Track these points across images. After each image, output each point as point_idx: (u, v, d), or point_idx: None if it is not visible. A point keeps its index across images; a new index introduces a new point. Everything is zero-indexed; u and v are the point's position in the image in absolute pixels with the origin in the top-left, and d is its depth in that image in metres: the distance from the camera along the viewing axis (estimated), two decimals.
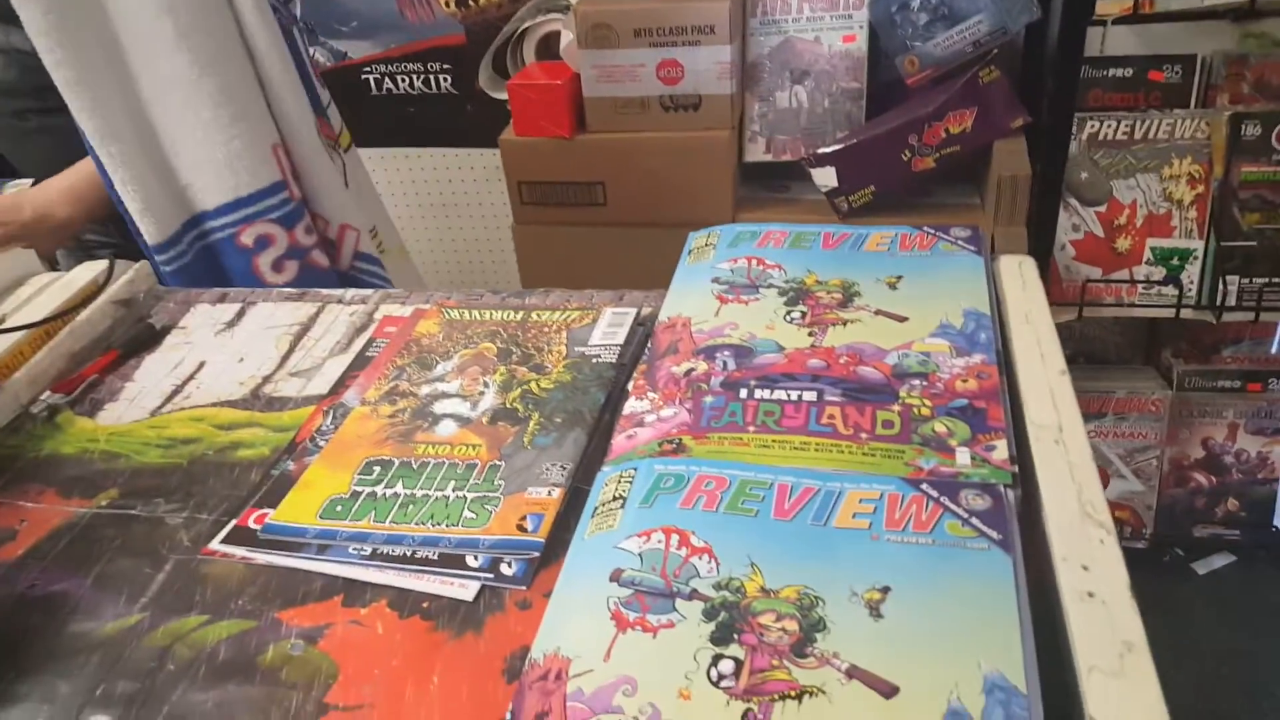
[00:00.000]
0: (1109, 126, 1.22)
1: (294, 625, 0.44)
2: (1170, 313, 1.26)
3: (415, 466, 0.52)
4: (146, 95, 0.83)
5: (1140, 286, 1.26)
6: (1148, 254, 1.26)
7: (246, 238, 0.88)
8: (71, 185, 0.91)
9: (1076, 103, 1.11)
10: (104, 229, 1.00)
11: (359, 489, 0.51)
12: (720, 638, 0.38)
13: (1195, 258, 1.25)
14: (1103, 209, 1.25)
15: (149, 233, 0.85)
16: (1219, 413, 1.46)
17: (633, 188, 1.25)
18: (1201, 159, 1.21)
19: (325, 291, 0.72)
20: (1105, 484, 1.50)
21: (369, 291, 0.71)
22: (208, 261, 0.88)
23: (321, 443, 0.55)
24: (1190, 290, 1.26)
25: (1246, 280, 1.23)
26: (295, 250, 0.91)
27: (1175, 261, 1.25)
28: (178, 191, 0.87)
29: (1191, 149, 1.21)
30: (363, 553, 0.47)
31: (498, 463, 0.51)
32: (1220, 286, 1.23)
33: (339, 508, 0.50)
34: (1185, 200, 1.23)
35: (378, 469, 0.52)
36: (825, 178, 1.18)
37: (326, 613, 0.45)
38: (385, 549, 0.47)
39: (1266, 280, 1.22)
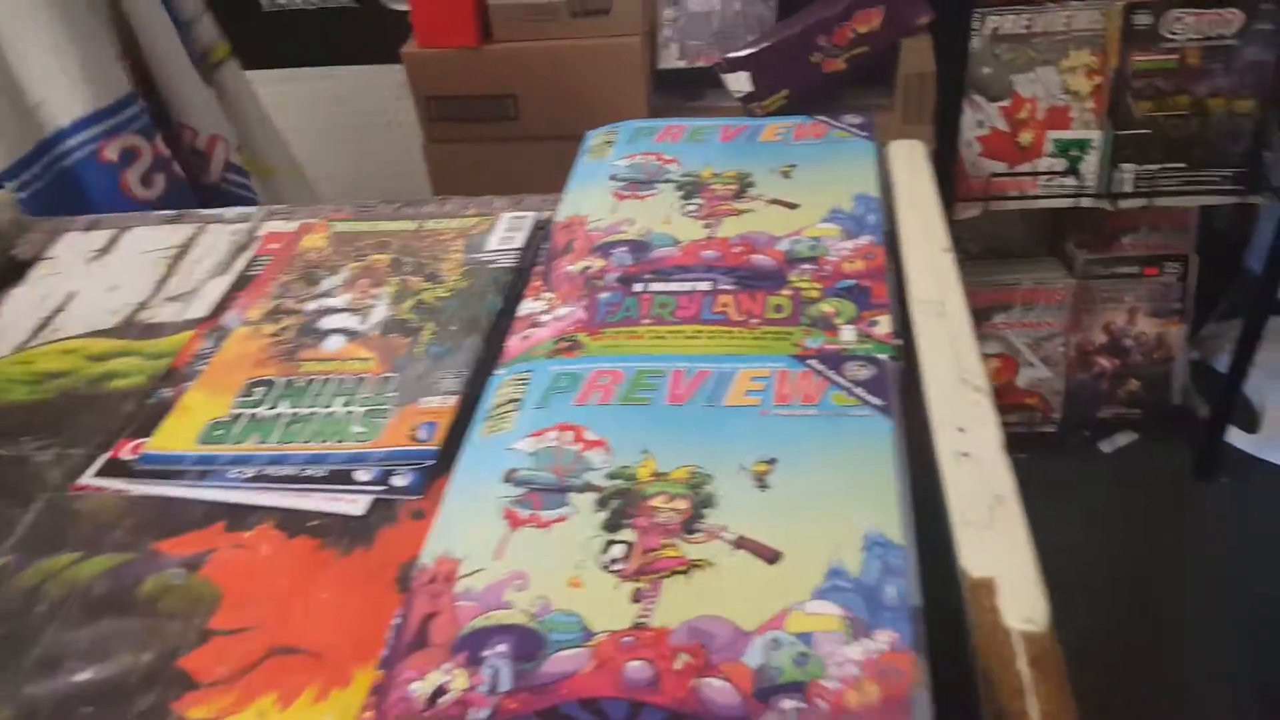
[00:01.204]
0: (1010, 21, 1.22)
1: (174, 555, 0.43)
2: (1070, 203, 1.29)
3: (301, 385, 0.50)
4: None
5: (1042, 178, 1.28)
6: (1049, 146, 1.28)
7: (110, 152, 0.82)
8: None
9: None
10: None
11: (240, 411, 0.48)
12: (612, 524, 0.37)
13: (1093, 148, 1.27)
14: (1006, 104, 1.26)
15: None
16: (1119, 298, 1.52)
17: (545, 100, 1.21)
18: (1097, 50, 1.23)
19: (205, 212, 0.68)
20: (1014, 372, 1.55)
21: (252, 209, 0.68)
22: (66, 186, 0.82)
23: (200, 367, 0.52)
24: (1089, 180, 1.29)
25: (1141, 167, 1.26)
26: (160, 161, 0.85)
27: (1075, 152, 1.28)
28: (27, 111, 0.80)
29: (1088, 40, 1.22)
30: (245, 476, 0.45)
31: (389, 375, 0.50)
32: (1116, 175, 1.26)
33: (219, 432, 0.47)
34: (1083, 92, 1.25)
35: (260, 390, 0.50)
36: (739, 83, 1.16)
37: (208, 540, 0.43)
38: (269, 470, 0.45)
39: (1159, 166, 1.26)
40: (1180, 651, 1.28)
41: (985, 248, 1.55)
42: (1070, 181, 1.28)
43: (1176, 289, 1.51)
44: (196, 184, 0.91)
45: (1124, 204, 1.29)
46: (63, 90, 0.79)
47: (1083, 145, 1.28)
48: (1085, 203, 1.30)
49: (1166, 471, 1.56)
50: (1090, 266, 1.48)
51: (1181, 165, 1.28)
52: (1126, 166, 1.27)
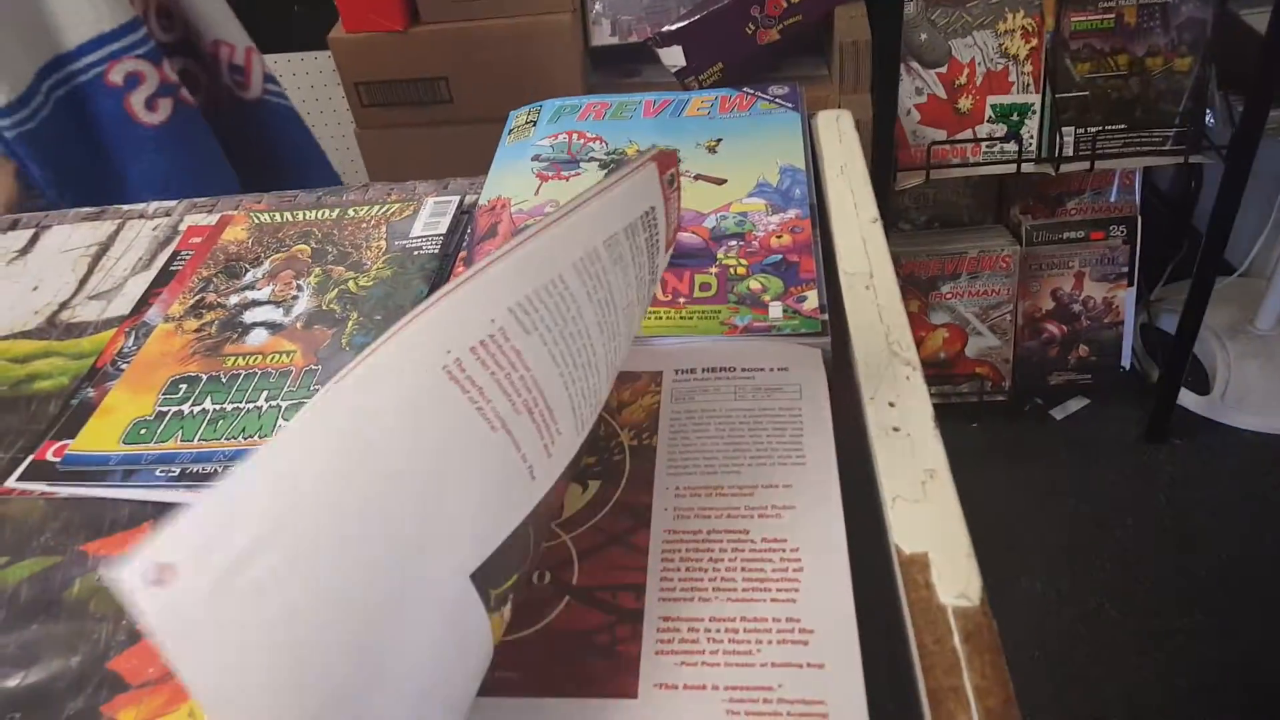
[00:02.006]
0: None
1: (101, 556, 0.42)
2: (1012, 169, 1.31)
3: (224, 380, 0.49)
4: None
5: (983, 145, 1.29)
6: (989, 112, 1.29)
7: (115, 75, 0.80)
8: None
9: None
10: None
11: (164, 409, 0.48)
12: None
13: (1033, 112, 1.28)
14: (943, 70, 1.27)
15: None
16: (1066, 264, 1.54)
17: (477, 81, 1.20)
18: (1033, 12, 1.23)
19: (125, 208, 0.67)
20: (964, 342, 1.57)
21: (172, 203, 0.66)
22: (69, 112, 0.79)
23: (124, 366, 0.51)
24: (1030, 145, 1.30)
25: (1081, 130, 1.27)
26: (166, 86, 0.84)
27: (1015, 118, 1.29)
28: (33, 32, 0.77)
29: (1024, 2, 1.23)
30: (170, 474, 0.45)
31: (314, 367, 0.49)
32: (1057, 138, 1.28)
33: (143, 431, 0.47)
34: (1021, 55, 1.26)
35: (184, 387, 0.49)
36: (673, 57, 1.16)
37: (136, 540, 0.42)
38: (194, 468, 0.45)
39: (1100, 128, 1.27)
40: (1137, 615, 1.31)
41: (931, 216, 1.56)
42: (1011, 147, 1.30)
43: (1123, 252, 1.53)
44: (239, 102, 0.89)
45: (1066, 168, 1.30)
46: (70, 11, 0.77)
47: (1023, 110, 1.29)
48: (1028, 168, 1.31)
49: (1119, 436, 1.58)
50: (1036, 233, 1.50)
51: (1122, 126, 1.29)
52: (1067, 130, 1.28)
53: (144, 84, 0.82)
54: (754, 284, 0.47)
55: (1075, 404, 1.65)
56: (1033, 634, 1.28)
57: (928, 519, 0.37)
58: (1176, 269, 1.69)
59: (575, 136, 0.59)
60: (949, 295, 1.51)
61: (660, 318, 0.46)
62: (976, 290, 1.51)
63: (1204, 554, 1.39)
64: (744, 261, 0.48)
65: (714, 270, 0.48)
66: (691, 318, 0.45)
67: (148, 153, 0.84)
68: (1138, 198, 1.53)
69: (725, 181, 0.54)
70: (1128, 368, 1.63)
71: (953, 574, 0.35)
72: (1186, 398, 1.59)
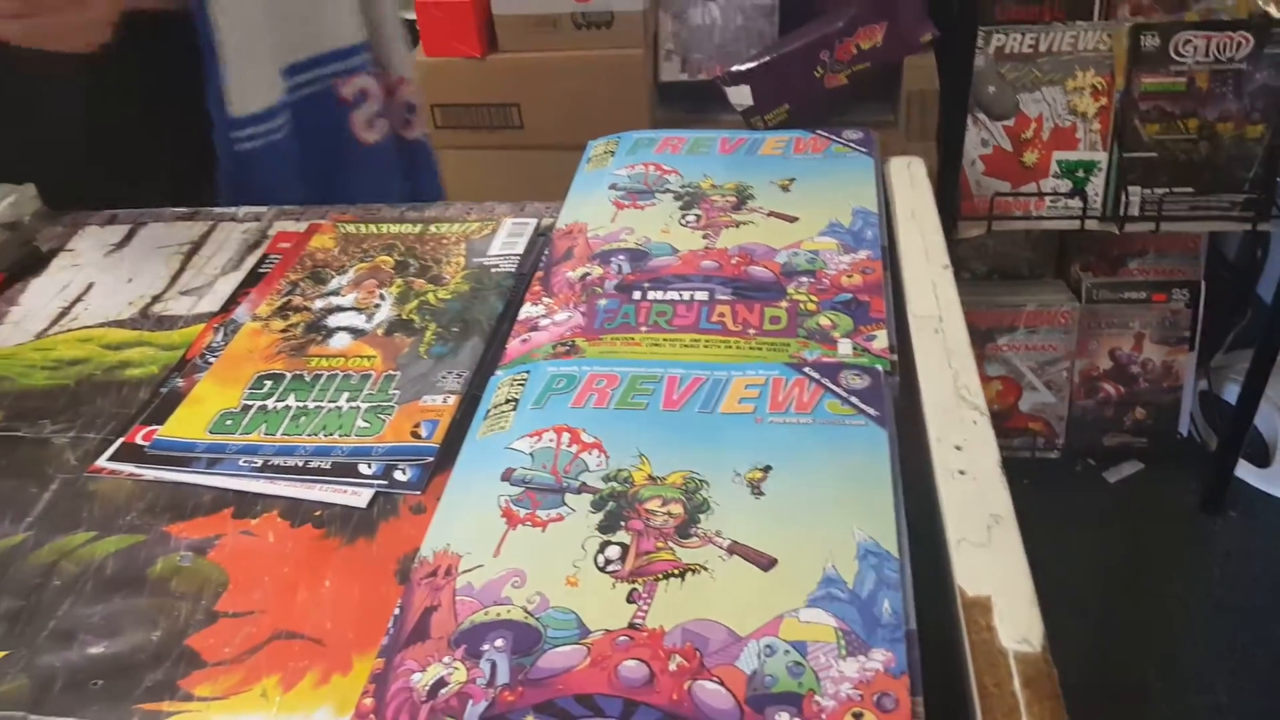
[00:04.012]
0: (1015, 40, 1.24)
1: (183, 538, 0.44)
2: (1075, 224, 1.30)
3: (308, 379, 0.51)
4: None
5: (1047, 199, 1.29)
6: (1054, 167, 1.29)
7: (347, 90, 0.79)
8: None
9: (983, 16, 1.12)
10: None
11: (250, 403, 0.50)
12: (608, 526, 0.39)
13: (1099, 169, 1.28)
14: (1010, 123, 1.27)
15: (247, 98, 0.72)
16: (1126, 324, 1.52)
17: (548, 109, 1.23)
18: (1104, 71, 1.24)
19: (218, 210, 0.70)
20: (1017, 396, 1.55)
21: (263, 209, 0.69)
22: (297, 120, 0.78)
23: (212, 359, 0.54)
24: (1095, 202, 1.29)
25: (1148, 190, 1.27)
26: (384, 107, 0.83)
27: (1080, 174, 1.29)
28: (289, 32, 0.75)
29: (1094, 61, 1.23)
30: (253, 465, 0.47)
31: (393, 373, 0.51)
32: (1123, 198, 1.27)
33: (229, 422, 0.49)
34: (1089, 112, 1.26)
35: (269, 383, 0.51)
36: (740, 96, 1.18)
37: (216, 525, 0.45)
38: (276, 460, 0.47)
39: (1166, 190, 1.27)
40: (1184, 689, 1.27)
41: (990, 268, 1.56)
42: (1076, 203, 1.29)
43: (1185, 316, 1.51)
44: (402, 140, 0.87)
45: (1130, 228, 1.29)
46: (330, 18, 0.76)
47: (1089, 167, 1.29)
48: (1091, 225, 1.31)
49: (1173, 504, 1.54)
50: (1097, 290, 1.49)
51: (1189, 190, 1.28)
52: (1133, 190, 1.28)
53: (369, 101, 0.81)
54: (824, 320, 0.48)
55: (1129, 467, 1.62)
56: (1074, 699, 1.25)
57: (992, 563, 0.37)
58: (1239, 336, 1.66)
59: (652, 168, 0.61)
60: (1005, 348, 1.50)
61: (730, 347, 0.47)
62: (1033, 344, 1.50)
63: (1257, 631, 1.34)
64: (814, 298, 0.49)
65: (784, 304, 0.49)
66: (760, 348, 0.47)
67: (354, 170, 0.83)
68: (1202, 262, 1.51)
69: (797, 220, 0.55)
70: (1185, 434, 1.60)
71: (1015, 618, 0.36)
72: (1245, 469, 1.55)
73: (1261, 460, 1.57)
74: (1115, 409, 1.58)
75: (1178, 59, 1.20)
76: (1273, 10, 1.22)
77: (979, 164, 1.28)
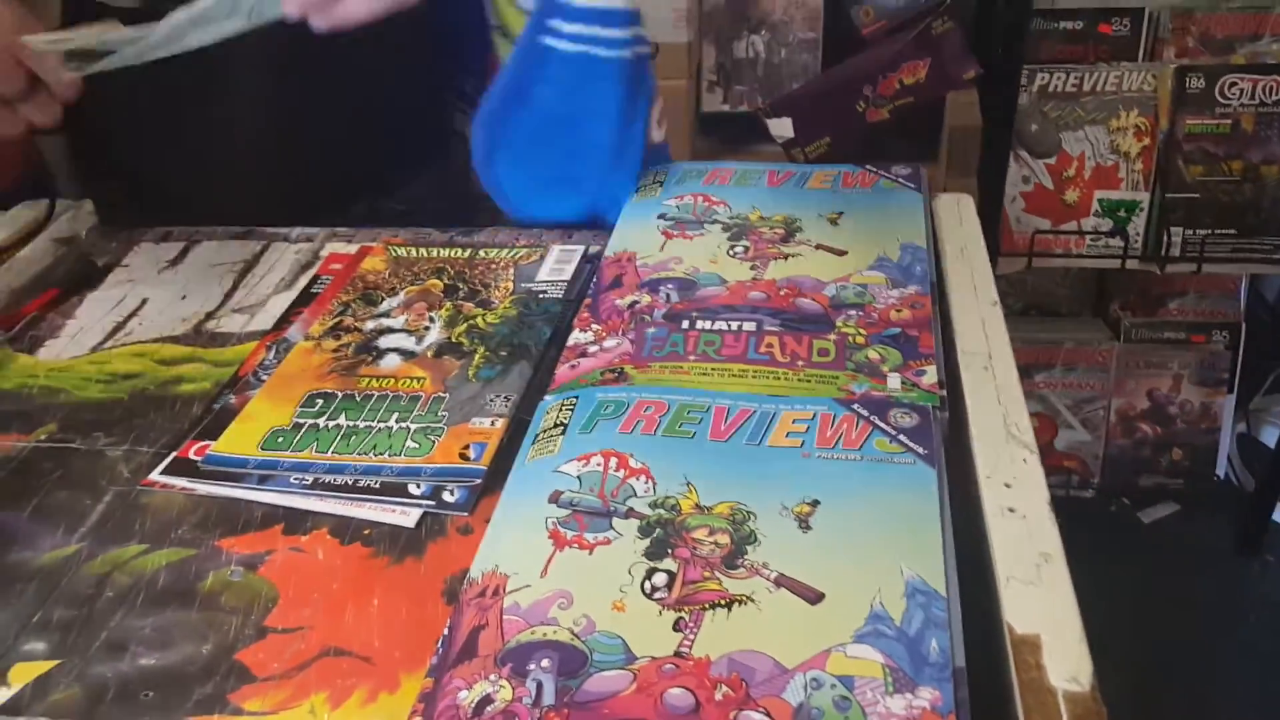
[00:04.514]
0: (1059, 79, 1.24)
1: (234, 553, 0.44)
2: (1116, 264, 1.29)
3: (358, 399, 0.52)
4: None
5: (1088, 238, 1.28)
6: (1095, 205, 1.28)
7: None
8: None
9: (1027, 55, 1.12)
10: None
11: (301, 421, 0.51)
12: (655, 553, 0.39)
13: (1141, 209, 1.28)
14: (1052, 161, 1.27)
15: None
16: (1164, 364, 1.50)
17: None
18: (1148, 112, 1.23)
19: (270, 230, 0.72)
20: (1054, 434, 1.54)
21: (315, 230, 0.71)
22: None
23: (264, 377, 0.55)
24: (1136, 241, 1.29)
25: (1190, 232, 1.26)
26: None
27: (1122, 213, 1.28)
28: None
29: (1138, 102, 1.23)
30: (304, 482, 0.47)
31: (442, 395, 0.52)
32: (1165, 238, 1.26)
33: (280, 439, 0.50)
34: (1132, 152, 1.25)
35: (320, 401, 0.52)
36: (781, 128, 1.19)
37: (267, 540, 0.45)
38: (327, 478, 0.47)
39: (1209, 231, 1.26)
40: None
41: (1028, 304, 1.55)
42: (1116, 242, 1.29)
43: (1224, 358, 1.49)
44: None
45: (1172, 268, 1.28)
46: None
47: (1130, 206, 1.28)
48: (1132, 265, 1.30)
49: (1209, 546, 1.52)
50: (1135, 330, 1.47)
51: (1232, 231, 1.27)
52: (1175, 230, 1.27)
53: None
54: (873, 354, 0.48)
55: (1165, 509, 1.60)
56: None
57: (1041, 601, 0.37)
58: (1278, 379, 1.63)
59: (700, 199, 0.62)
60: (1042, 385, 1.49)
61: (778, 378, 0.47)
62: (1070, 383, 1.49)
63: None
64: (863, 331, 0.49)
65: (832, 337, 0.49)
66: (809, 380, 0.47)
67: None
68: (1242, 304, 1.49)
69: (846, 253, 0.55)
70: (1222, 476, 1.58)
71: (1064, 657, 0.35)
72: None
73: None
74: (1152, 449, 1.56)
75: (1223, 101, 1.20)
76: None
77: (1020, 201, 1.28)
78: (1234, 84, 1.19)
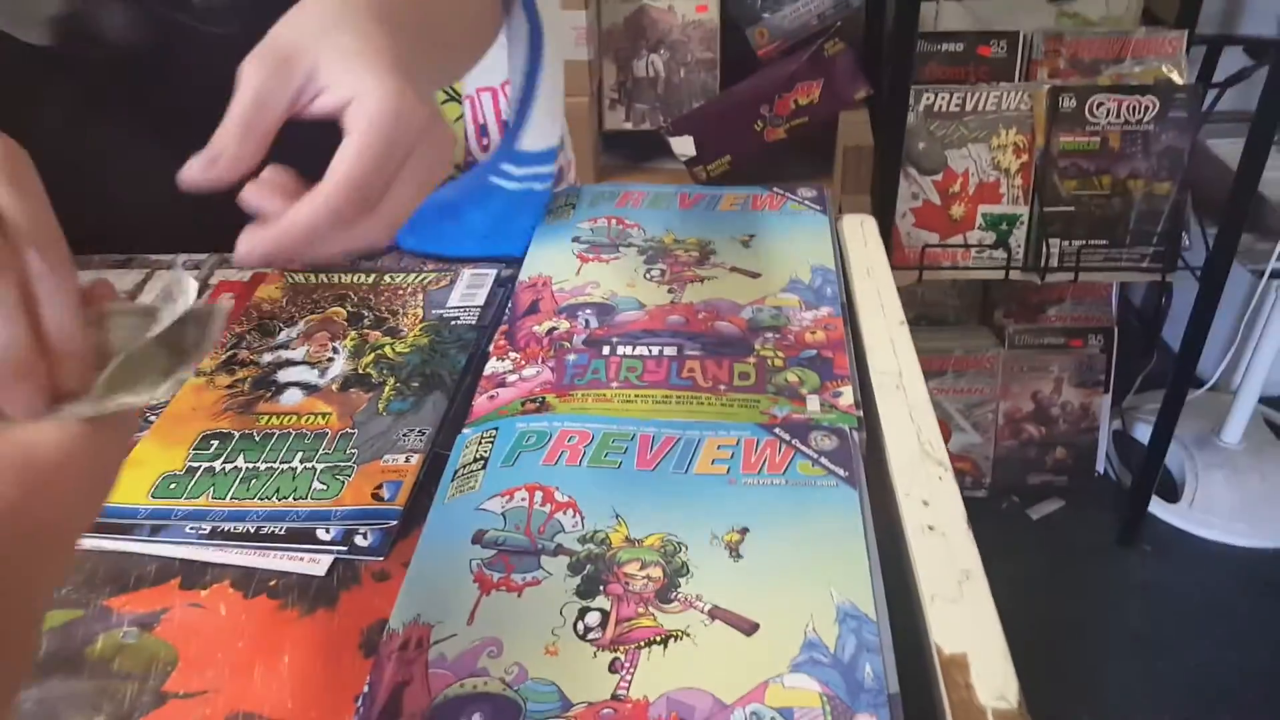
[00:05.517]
0: (943, 99, 1.29)
1: (126, 612, 0.41)
2: (1000, 274, 1.35)
3: (258, 438, 0.49)
4: None
5: (973, 250, 1.34)
6: (979, 220, 1.34)
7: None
8: None
9: (913, 76, 1.17)
10: None
11: (195, 464, 0.47)
12: (586, 591, 0.38)
13: (1021, 222, 1.34)
14: (939, 178, 1.32)
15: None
16: (1045, 368, 1.58)
17: None
18: (1025, 130, 1.30)
19: (154, 257, 0.67)
20: (947, 437, 1.60)
21: (201, 256, 0.67)
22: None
23: (153, 418, 0.51)
24: (1018, 253, 1.35)
25: (1067, 243, 1.33)
26: None
27: (1004, 227, 1.34)
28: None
29: (1016, 120, 1.29)
30: (201, 532, 0.44)
31: (350, 431, 0.49)
32: (1044, 249, 1.33)
33: (173, 485, 0.46)
34: (1012, 168, 1.31)
35: (216, 443, 0.49)
36: (684, 146, 1.20)
37: (162, 597, 0.42)
38: (226, 526, 0.44)
39: (1084, 242, 1.33)
40: (1103, 717, 1.31)
41: (919, 315, 1.60)
42: (1000, 254, 1.35)
43: (1100, 361, 1.58)
44: None
45: (1051, 278, 1.35)
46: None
47: (1011, 220, 1.34)
48: (1015, 276, 1.36)
49: (1093, 539, 1.61)
50: (1019, 336, 1.55)
51: (1104, 242, 1.35)
52: (1053, 241, 1.34)
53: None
54: (791, 376, 0.48)
55: (1051, 505, 1.68)
56: None
57: (965, 619, 0.38)
58: (1147, 378, 1.74)
59: (614, 222, 0.61)
60: (934, 391, 1.55)
61: (702, 403, 0.47)
62: (960, 388, 1.55)
63: (1174, 661, 1.40)
64: (780, 354, 0.50)
65: (752, 360, 0.49)
66: (732, 405, 0.47)
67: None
68: (1114, 309, 1.59)
69: (760, 275, 0.56)
70: (1102, 472, 1.67)
71: (991, 675, 0.36)
72: (1158, 505, 1.62)
73: (1172, 497, 1.64)
74: (1037, 449, 1.64)
75: (1092, 120, 1.27)
76: (1175, 77, 1.30)
77: (910, 216, 1.32)
78: (1101, 103, 1.27)
